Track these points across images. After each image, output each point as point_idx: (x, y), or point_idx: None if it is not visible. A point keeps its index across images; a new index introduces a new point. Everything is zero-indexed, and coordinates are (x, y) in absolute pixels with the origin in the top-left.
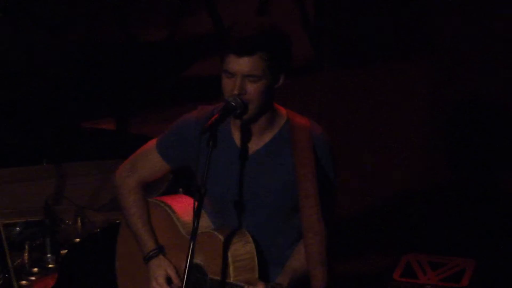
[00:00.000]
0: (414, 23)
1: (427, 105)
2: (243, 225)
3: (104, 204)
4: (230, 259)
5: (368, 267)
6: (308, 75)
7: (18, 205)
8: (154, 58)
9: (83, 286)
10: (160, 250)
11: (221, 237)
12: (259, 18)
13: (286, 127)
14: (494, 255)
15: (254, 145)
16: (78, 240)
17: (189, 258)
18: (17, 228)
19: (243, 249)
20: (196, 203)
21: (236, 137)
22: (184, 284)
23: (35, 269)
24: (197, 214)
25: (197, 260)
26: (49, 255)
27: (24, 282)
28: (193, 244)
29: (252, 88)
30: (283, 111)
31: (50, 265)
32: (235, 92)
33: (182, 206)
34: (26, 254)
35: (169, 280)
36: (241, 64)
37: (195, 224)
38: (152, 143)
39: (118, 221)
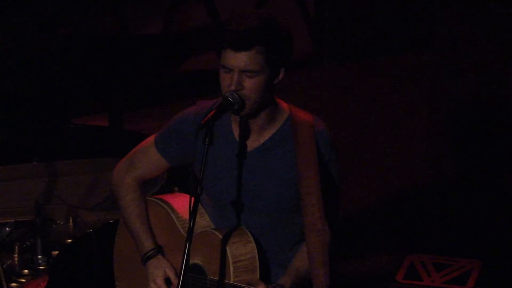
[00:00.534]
0: (415, 18)
1: (428, 99)
2: (243, 224)
3: (97, 204)
4: (230, 260)
5: (370, 268)
6: (308, 69)
7: (8, 204)
8: (149, 52)
9: None
10: (158, 250)
11: (221, 237)
12: (257, 11)
13: (288, 123)
14: (501, 256)
15: (255, 142)
16: (70, 240)
17: (185, 258)
18: (7, 229)
19: (244, 249)
20: (192, 202)
21: (237, 133)
22: (179, 285)
23: (26, 271)
24: (192, 213)
25: (196, 260)
26: (40, 256)
27: (14, 284)
28: (189, 244)
29: (249, 84)
30: (285, 106)
31: (41, 267)
32: (232, 87)
33: (182, 205)
34: (16, 255)
35: (168, 281)
36: (238, 59)
37: (191, 224)
38: (150, 139)
39: (111, 221)
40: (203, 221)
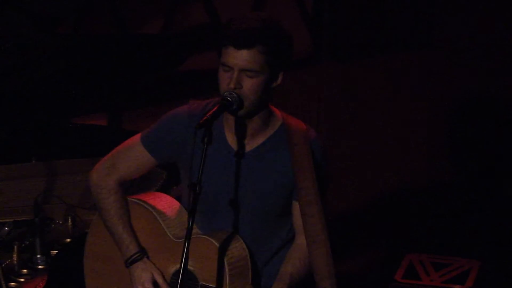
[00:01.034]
0: (414, 17)
1: (428, 98)
2: (233, 226)
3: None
4: (226, 265)
5: (369, 267)
6: (307, 68)
7: (6, 204)
8: (148, 51)
9: (73, 287)
10: (144, 253)
11: (214, 242)
12: (259, 13)
13: (282, 129)
14: (500, 255)
15: (247, 146)
16: (69, 240)
17: (183, 261)
18: (6, 228)
19: (237, 254)
20: (191, 202)
21: (229, 136)
22: (178, 285)
23: (25, 270)
24: (192, 214)
25: (188, 266)
26: (38, 256)
27: (13, 283)
28: (187, 246)
29: (249, 84)
30: (278, 113)
31: (40, 266)
32: (231, 85)
33: (165, 206)
34: (15, 255)
35: (155, 284)
36: (239, 57)
37: (190, 224)
38: (135, 138)
39: None
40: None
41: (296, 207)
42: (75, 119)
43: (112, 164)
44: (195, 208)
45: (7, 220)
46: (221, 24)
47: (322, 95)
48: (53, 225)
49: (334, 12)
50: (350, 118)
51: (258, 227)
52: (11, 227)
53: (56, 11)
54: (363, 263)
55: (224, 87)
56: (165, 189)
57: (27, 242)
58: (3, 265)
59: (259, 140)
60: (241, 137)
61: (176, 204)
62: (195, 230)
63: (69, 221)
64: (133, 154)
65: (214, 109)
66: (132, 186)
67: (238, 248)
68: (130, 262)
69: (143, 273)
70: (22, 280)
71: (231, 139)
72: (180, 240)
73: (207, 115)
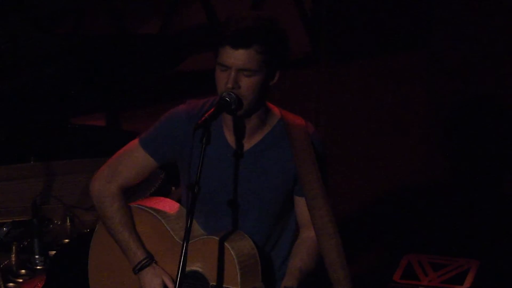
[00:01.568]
0: (412, 17)
1: (426, 98)
2: (235, 226)
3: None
4: (236, 264)
5: (367, 268)
6: (305, 68)
7: (5, 204)
8: (146, 51)
9: None
10: (152, 258)
11: (222, 242)
12: (256, 12)
13: (280, 125)
14: (498, 255)
15: (246, 144)
16: (67, 240)
17: (181, 261)
18: (4, 229)
19: (246, 252)
20: (190, 202)
21: (228, 134)
22: (177, 286)
23: (23, 271)
24: (190, 214)
25: (195, 267)
26: (37, 256)
27: (11, 284)
28: (186, 246)
29: (246, 83)
30: (275, 108)
31: (38, 267)
32: (229, 85)
33: (167, 209)
34: (13, 255)
35: None
36: (236, 57)
37: (188, 224)
38: (133, 143)
39: None
40: (195, 230)
41: (299, 201)
42: (74, 119)
43: (112, 171)
44: (194, 208)
45: (6, 221)
46: (218, 24)
47: (320, 95)
48: (51, 226)
49: (332, 12)
50: (348, 118)
51: (261, 225)
52: (10, 228)
53: (55, 11)
54: (361, 264)
55: (222, 87)
56: (163, 190)
57: (26, 243)
58: (1, 265)
59: (257, 137)
60: (240, 135)
61: (177, 206)
62: (200, 231)
63: (68, 221)
64: (133, 159)
65: (212, 110)
66: (131, 187)
67: (246, 246)
68: (138, 269)
69: (153, 278)
70: (21, 280)
71: (230, 138)
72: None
73: (206, 115)
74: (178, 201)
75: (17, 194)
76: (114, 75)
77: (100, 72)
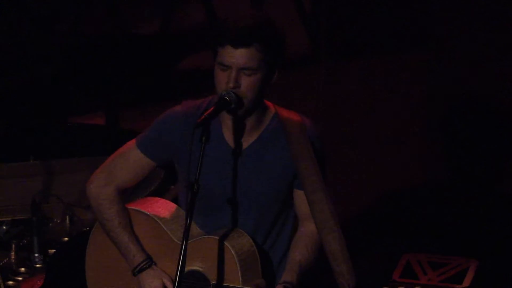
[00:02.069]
0: (413, 15)
1: (426, 98)
2: (235, 225)
3: None
4: (236, 262)
5: (366, 267)
6: (305, 67)
7: (4, 203)
8: (146, 51)
9: (71, 286)
10: (151, 260)
11: (221, 241)
12: (254, 11)
13: (275, 121)
14: (498, 254)
15: (244, 142)
16: (66, 239)
17: (181, 260)
18: (4, 227)
19: (245, 249)
20: (189, 201)
21: (226, 133)
22: (176, 285)
23: (22, 269)
24: (190, 213)
25: (196, 267)
26: (36, 255)
27: (11, 282)
28: (185, 244)
29: (247, 82)
30: (269, 104)
31: (37, 265)
32: (230, 85)
33: (164, 210)
34: (13, 254)
35: None
36: (237, 56)
37: (187, 222)
38: (130, 144)
39: None
40: (192, 230)
41: (298, 195)
42: (73, 118)
43: (109, 173)
44: (193, 207)
45: (5, 219)
46: (217, 24)
47: (319, 94)
48: (50, 224)
49: (331, 11)
50: (347, 118)
51: (261, 222)
52: (9, 226)
53: (55, 10)
54: (360, 263)
55: (222, 86)
56: (163, 188)
57: (25, 241)
58: (1, 263)
59: (255, 135)
60: (238, 134)
61: (173, 206)
62: (198, 230)
63: (67, 220)
64: (130, 160)
65: (212, 109)
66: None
67: (245, 243)
68: (138, 271)
69: (153, 280)
70: (20, 278)
71: (229, 137)
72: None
73: (205, 114)
74: (173, 200)
75: (17, 193)
76: (113, 74)
77: (99, 71)
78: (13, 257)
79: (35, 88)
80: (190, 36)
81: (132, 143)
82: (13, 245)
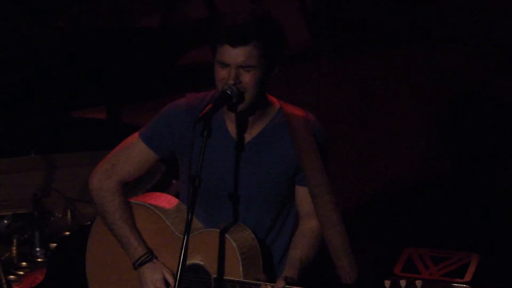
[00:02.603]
0: (414, 12)
1: (426, 93)
2: (238, 217)
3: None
4: (238, 256)
5: (368, 261)
6: (306, 62)
7: (6, 197)
8: (147, 45)
9: (73, 280)
10: (152, 253)
11: (223, 234)
12: (250, 6)
13: (280, 115)
14: (499, 248)
15: (247, 135)
16: (68, 233)
17: (182, 253)
18: (5, 221)
19: (247, 243)
20: (191, 195)
21: (230, 127)
22: (177, 280)
23: (24, 264)
24: (191, 206)
25: (197, 260)
26: (38, 249)
27: (12, 276)
28: (187, 238)
29: (247, 78)
30: (274, 100)
31: (39, 259)
32: (231, 81)
33: (166, 204)
34: (14, 248)
35: (166, 283)
36: (235, 55)
37: (189, 216)
38: (133, 137)
39: None
40: (194, 224)
41: (300, 191)
42: (74, 112)
43: (111, 166)
44: (195, 201)
45: (7, 213)
46: (215, 21)
47: (321, 89)
48: (52, 218)
49: (333, 6)
50: (349, 113)
51: (263, 217)
52: (11, 220)
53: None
54: (362, 257)
55: (222, 83)
56: (164, 182)
57: (26, 235)
58: (2, 258)
59: (258, 128)
60: (242, 127)
61: (175, 201)
62: (198, 224)
63: (68, 214)
64: (133, 153)
65: (212, 103)
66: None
67: (247, 237)
68: (139, 264)
69: (154, 273)
70: (22, 273)
71: (233, 130)
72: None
73: (206, 108)
74: (176, 195)
75: (18, 187)
76: (114, 68)
77: (101, 65)
78: (14, 252)
79: (36, 82)
80: (191, 30)
81: (135, 135)
82: (15, 240)
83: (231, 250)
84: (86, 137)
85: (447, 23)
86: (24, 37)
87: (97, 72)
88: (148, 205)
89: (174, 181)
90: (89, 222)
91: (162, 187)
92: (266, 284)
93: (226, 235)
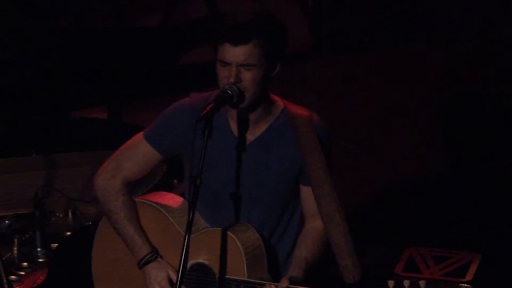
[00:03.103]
0: (414, 11)
1: (427, 93)
2: (241, 216)
3: (96, 196)
4: (243, 255)
5: (369, 261)
6: (307, 60)
7: (7, 197)
8: (148, 44)
9: (74, 281)
10: (156, 252)
11: (228, 233)
12: (251, 5)
13: (284, 115)
14: (500, 248)
15: (251, 135)
16: (69, 233)
17: (183, 252)
18: (6, 221)
19: (252, 243)
20: (192, 194)
21: (233, 126)
22: (179, 278)
23: (25, 264)
24: (192, 206)
25: (202, 260)
26: (39, 249)
27: (13, 277)
28: (188, 237)
29: (248, 76)
30: (278, 100)
31: (40, 259)
32: (231, 80)
33: (171, 203)
34: (15, 248)
35: (171, 282)
36: (236, 54)
37: (190, 216)
38: (137, 137)
39: None
40: (199, 223)
41: (304, 191)
42: (76, 112)
43: (116, 166)
44: (196, 200)
45: (8, 214)
46: (215, 20)
47: (321, 88)
48: (53, 219)
49: (334, 5)
50: (349, 112)
51: (268, 216)
52: (12, 220)
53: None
54: (363, 257)
55: (224, 81)
56: (165, 183)
57: (28, 236)
58: (3, 258)
59: (262, 128)
60: (245, 127)
61: (180, 200)
62: (204, 224)
63: (70, 214)
64: (137, 153)
65: (214, 103)
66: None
67: (251, 237)
68: (143, 263)
69: (158, 272)
70: (23, 273)
71: (236, 130)
72: (192, 235)
73: (207, 108)
74: (182, 195)
75: (19, 187)
76: (115, 68)
77: (102, 65)
78: (15, 252)
79: (37, 82)
80: (192, 29)
81: (140, 135)
82: (16, 240)
83: (235, 249)
84: (87, 137)
85: (447, 23)
86: (24, 37)
87: (97, 72)
88: (153, 204)
89: (175, 182)
90: (90, 222)
91: (163, 188)
92: (270, 284)
93: (231, 235)
